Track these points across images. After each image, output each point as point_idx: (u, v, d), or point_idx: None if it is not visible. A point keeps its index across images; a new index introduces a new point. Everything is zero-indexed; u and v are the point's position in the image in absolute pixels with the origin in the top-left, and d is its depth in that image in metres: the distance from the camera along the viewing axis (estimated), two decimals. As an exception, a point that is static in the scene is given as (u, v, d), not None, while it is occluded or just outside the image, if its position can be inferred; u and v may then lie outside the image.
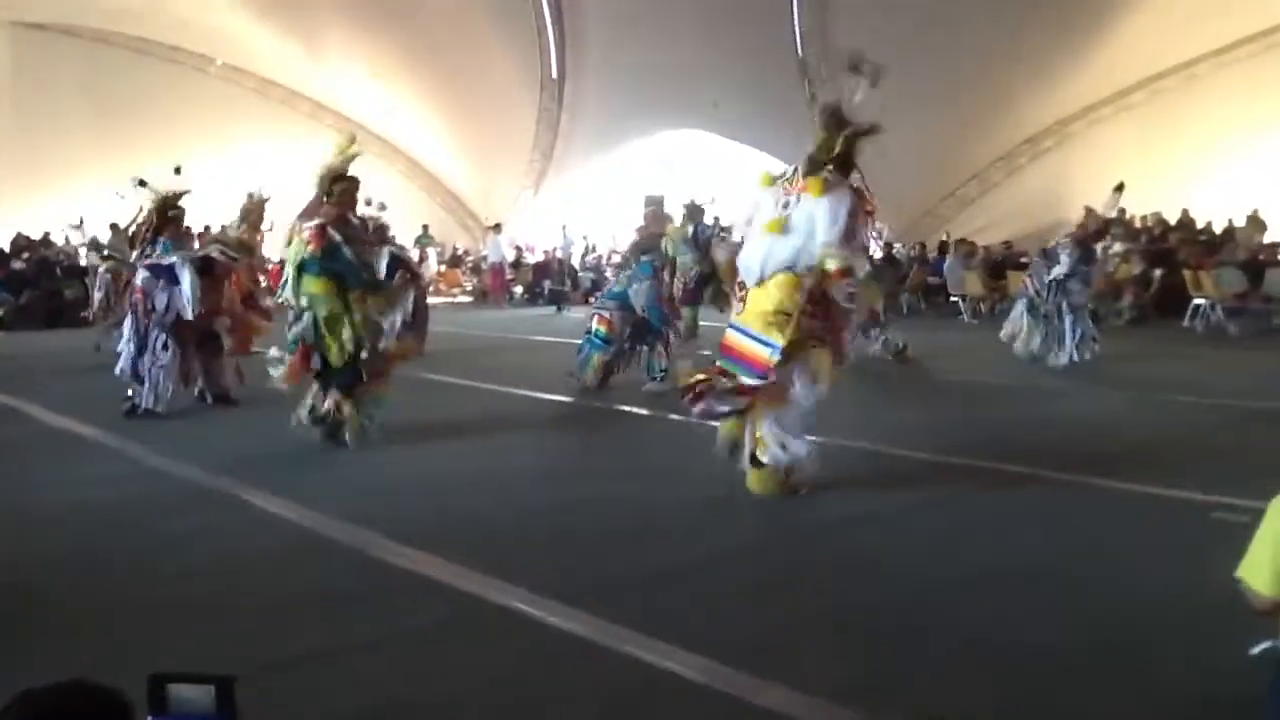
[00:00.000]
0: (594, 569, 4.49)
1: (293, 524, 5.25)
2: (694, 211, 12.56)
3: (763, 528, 5.19)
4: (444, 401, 9.18)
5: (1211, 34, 18.14)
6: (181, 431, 7.81)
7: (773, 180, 5.64)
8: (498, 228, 23.85)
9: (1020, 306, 11.08)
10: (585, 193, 25.46)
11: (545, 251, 24.76)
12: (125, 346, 8.40)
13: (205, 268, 8.42)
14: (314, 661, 3.54)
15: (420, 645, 3.67)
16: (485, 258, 24.45)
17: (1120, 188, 11.08)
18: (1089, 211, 10.57)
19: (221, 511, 5.56)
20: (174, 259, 8.35)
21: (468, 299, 24.40)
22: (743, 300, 5.53)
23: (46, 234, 19.82)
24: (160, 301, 8.25)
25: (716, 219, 12.52)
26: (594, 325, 9.63)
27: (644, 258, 9.67)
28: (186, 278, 8.23)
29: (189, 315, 8.28)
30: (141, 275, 8.37)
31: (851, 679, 3.33)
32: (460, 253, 26.89)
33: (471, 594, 4.15)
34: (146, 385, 8.23)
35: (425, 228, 24.94)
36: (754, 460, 5.50)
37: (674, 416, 8.15)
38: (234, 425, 8.05)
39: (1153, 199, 18.35)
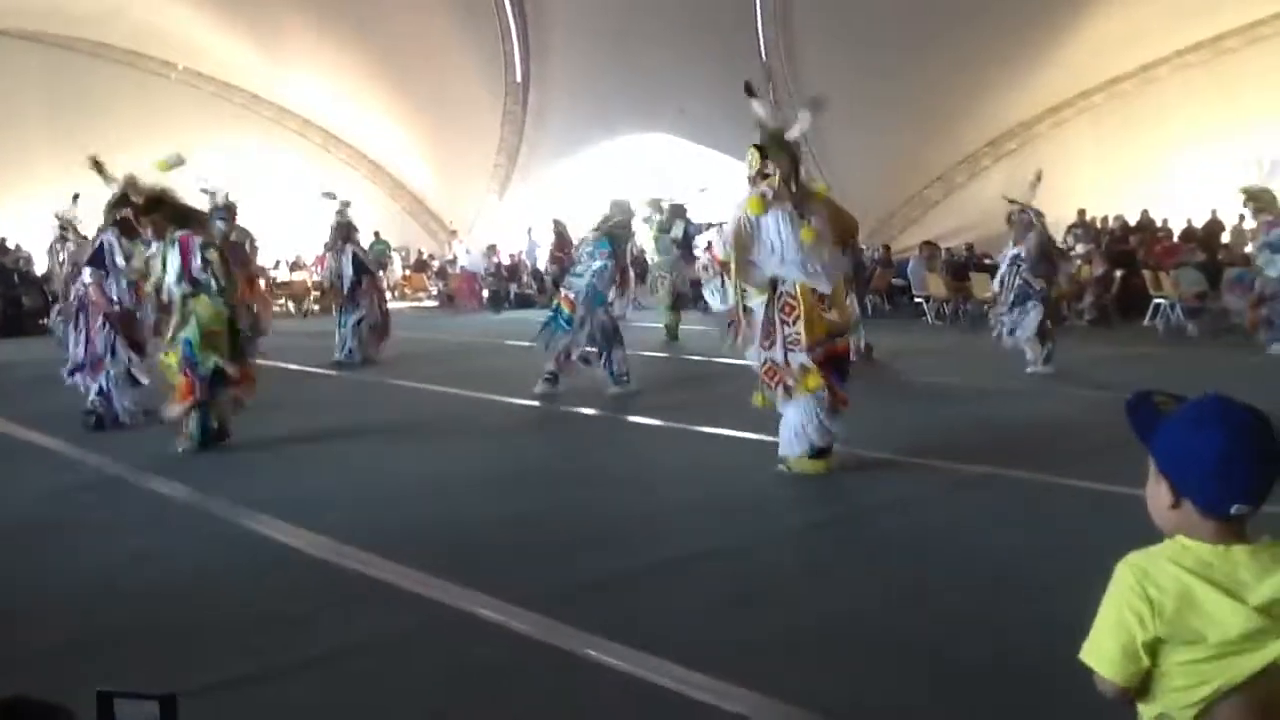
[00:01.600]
0: (560, 575, 4.46)
1: (255, 534, 5.19)
2: (677, 211, 12.56)
3: (727, 533, 5.17)
4: (406, 406, 9.12)
5: (1168, 39, 18.44)
6: (142, 441, 7.68)
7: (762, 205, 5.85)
8: (493, 249, 23.84)
9: (1032, 314, 10.18)
10: (551, 196, 25.41)
11: (510, 255, 24.66)
12: (88, 361, 8.20)
13: (125, 230, 8.21)
14: (280, 674, 3.49)
15: (386, 655, 3.63)
16: (452, 261, 24.28)
17: (1039, 177, 10.90)
18: (1013, 203, 10.55)
19: (181, 523, 5.50)
20: (98, 240, 8.29)
21: (433, 304, 24.20)
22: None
23: (2, 240, 19.52)
24: (112, 289, 8.12)
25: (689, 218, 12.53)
26: (560, 305, 9.29)
27: (605, 238, 9.33)
28: (112, 240, 8.13)
29: (121, 262, 8.12)
30: (88, 273, 8.22)
31: (821, 686, 3.32)
32: (425, 257, 26.66)
33: (437, 601, 4.12)
34: (114, 397, 8.07)
35: (377, 234, 22.80)
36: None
37: (637, 420, 8.15)
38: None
39: (1114, 200, 18.57)
